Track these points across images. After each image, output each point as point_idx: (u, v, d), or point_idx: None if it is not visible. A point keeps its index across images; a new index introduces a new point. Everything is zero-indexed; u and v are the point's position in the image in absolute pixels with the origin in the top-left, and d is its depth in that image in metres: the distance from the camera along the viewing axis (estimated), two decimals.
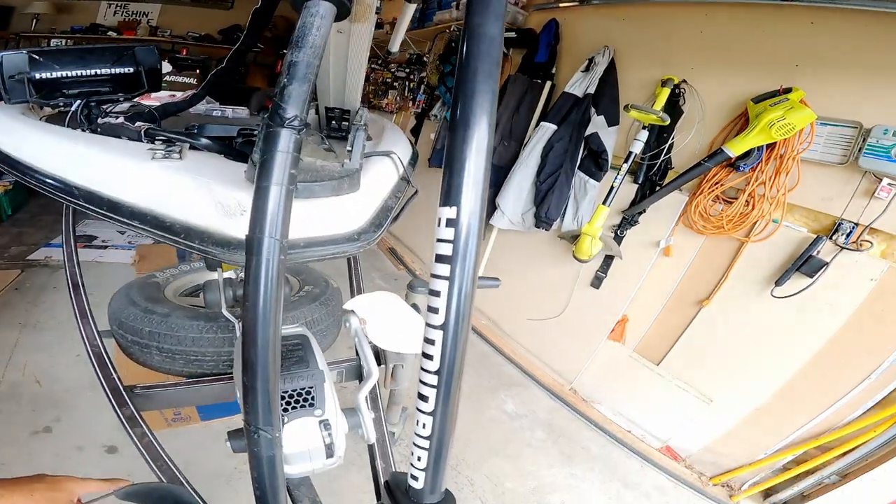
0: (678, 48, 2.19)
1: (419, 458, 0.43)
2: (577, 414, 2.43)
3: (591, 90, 2.38)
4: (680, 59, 2.18)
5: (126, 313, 1.15)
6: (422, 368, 0.38)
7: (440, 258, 0.34)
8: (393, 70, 4.35)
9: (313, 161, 0.71)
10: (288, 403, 0.59)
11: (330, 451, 0.60)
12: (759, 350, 1.99)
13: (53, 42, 5.72)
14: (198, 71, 4.71)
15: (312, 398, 0.60)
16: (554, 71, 2.72)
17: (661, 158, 2.20)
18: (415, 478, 0.43)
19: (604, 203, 2.22)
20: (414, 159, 1.42)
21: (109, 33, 5.82)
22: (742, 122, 1.96)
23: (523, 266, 2.89)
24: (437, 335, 0.36)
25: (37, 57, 1.09)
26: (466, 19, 0.37)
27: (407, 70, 4.16)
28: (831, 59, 1.76)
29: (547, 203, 2.46)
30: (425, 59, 3.89)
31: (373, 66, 4.69)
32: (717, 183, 2.02)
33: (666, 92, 2.08)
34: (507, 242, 2.96)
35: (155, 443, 0.93)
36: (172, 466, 0.87)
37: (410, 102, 4.15)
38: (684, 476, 2.12)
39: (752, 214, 1.92)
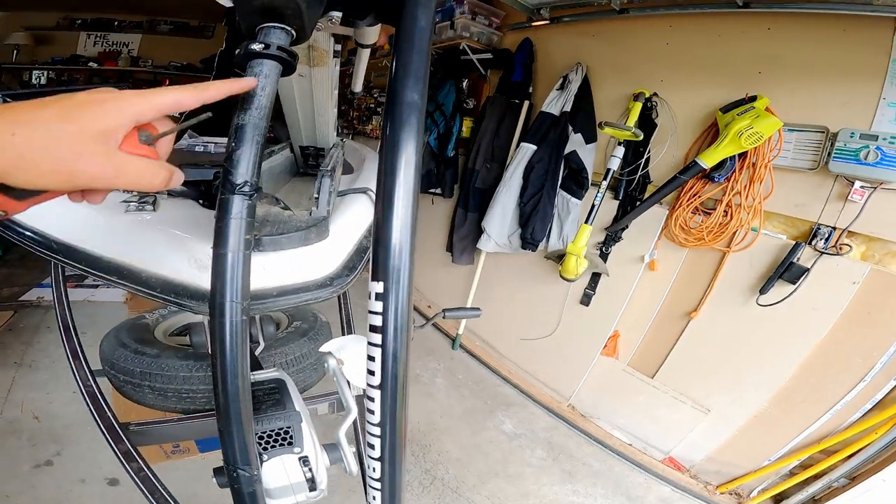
0: (646, 61, 2.24)
1: (374, 498, 0.43)
2: (577, 430, 2.43)
3: (568, 108, 2.40)
4: (649, 72, 2.22)
5: (117, 355, 1.17)
6: (368, 422, 0.40)
7: (373, 328, 0.37)
8: (376, 95, 4.40)
9: (280, 212, 0.73)
10: (267, 443, 0.61)
11: (312, 484, 0.62)
12: (751, 358, 2.01)
13: (35, 73, 5.74)
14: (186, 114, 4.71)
15: (291, 437, 0.62)
16: (531, 90, 2.74)
17: (639, 173, 2.23)
18: None
19: (586, 222, 2.25)
20: None
21: (91, 64, 5.81)
22: (713, 133, 2.00)
23: (513, 287, 2.92)
24: (376, 394, 0.38)
25: (9, 100, 1.12)
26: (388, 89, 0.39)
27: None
28: (792, 64, 1.80)
29: (532, 224, 2.47)
30: None
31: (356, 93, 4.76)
32: (694, 195, 2.05)
33: (638, 106, 2.11)
34: (496, 264, 2.99)
35: (152, 477, 0.94)
36: (170, 499, 0.88)
37: None
38: (690, 486, 2.12)
39: (731, 224, 1.94)
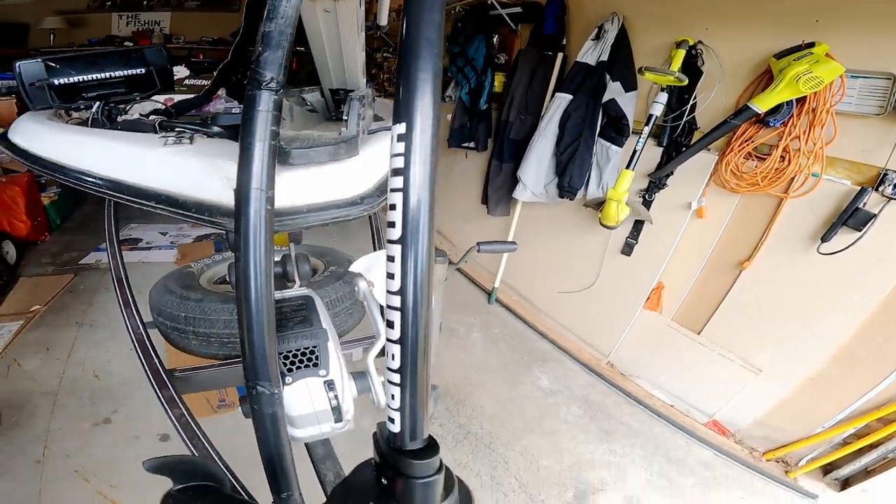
0: (690, 10, 2.12)
1: (393, 397, 0.39)
2: (616, 389, 2.37)
3: (604, 57, 2.34)
4: (693, 21, 2.10)
5: (164, 301, 1.21)
6: (387, 291, 0.36)
7: (396, 171, 0.34)
8: None
9: (311, 132, 0.72)
10: (291, 363, 0.58)
11: (338, 413, 0.59)
12: (809, 312, 1.89)
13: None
14: (214, 73, 4.81)
15: (316, 358, 0.59)
16: (564, 42, 2.69)
17: (685, 119, 2.13)
18: (391, 420, 0.39)
19: (627, 167, 2.18)
20: None
21: (126, 43, 6.02)
22: (766, 80, 1.90)
23: (550, 238, 2.86)
24: (396, 251, 0.34)
25: (53, 64, 1.15)
26: None
27: None
28: (854, 11, 1.67)
29: (569, 173, 2.43)
30: None
31: (385, 54, 4.69)
32: (747, 140, 1.94)
33: (681, 53, 2.02)
34: (533, 215, 2.94)
35: (192, 423, 0.98)
36: (208, 446, 0.92)
37: None
38: (734, 451, 2.04)
39: (789, 169, 1.84)
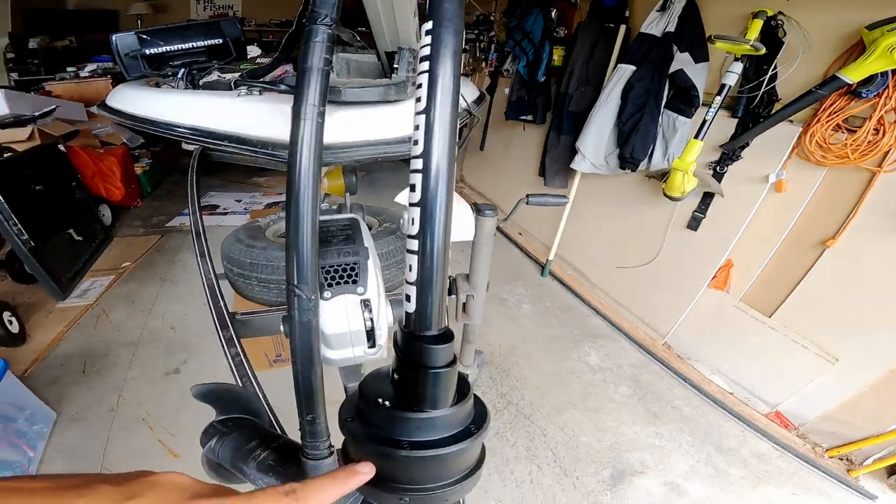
0: None
1: (410, 268, 0.39)
2: (670, 371, 2.27)
3: (671, 28, 2.23)
4: None
5: (233, 248, 1.34)
6: (412, 170, 0.38)
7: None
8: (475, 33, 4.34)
9: (364, 79, 0.76)
10: (331, 278, 0.59)
11: (371, 338, 0.60)
12: None
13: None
14: (283, 42, 5.14)
15: (356, 275, 0.60)
16: (627, 14, 2.60)
17: (763, 90, 1.98)
18: (408, 298, 0.40)
19: (696, 137, 2.06)
20: (480, 99, 1.45)
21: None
22: (858, 51, 1.74)
23: (609, 211, 2.76)
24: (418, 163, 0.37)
25: (144, 36, 1.29)
26: None
27: (475, 31, 4.11)
28: None
29: (631, 143, 2.35)
30: (492, 17, 3.85)
31: None
32: (836, 111, 1.79)
33: (758, 24, 1.89)
34: (591, 188, 2.86)
35: (245, 363, 1.07)
36: (256, 387, 1.00)
37: (483, 63, 4.11)
38: (794, 445, 1.90)
39: (883, 142, 1.68)
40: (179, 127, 0.96)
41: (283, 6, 6.98)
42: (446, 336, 0.41)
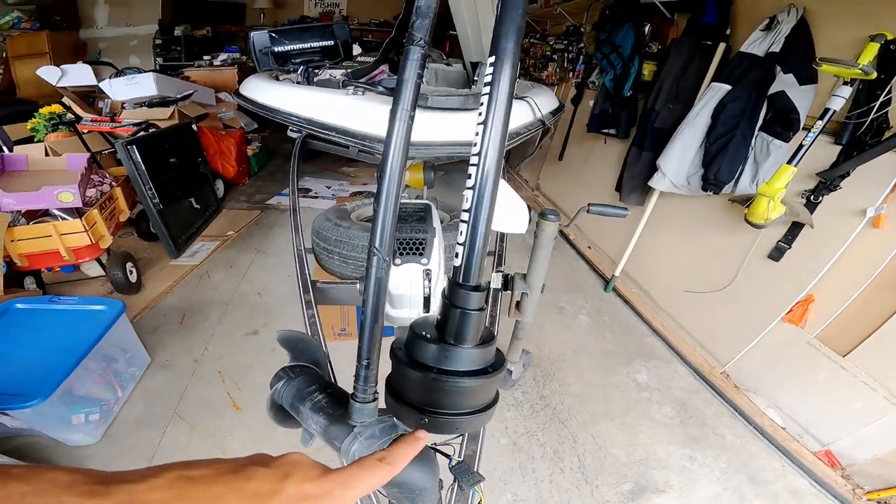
0: (887, 2, 1.82)
1: (461, 233, 0.49)
2: (722, 399, 2.17)
3: (776, 49, 2.13)
4: (891, 14, 1.80)
5: (322, 225, 1.56)
6: (470, 164, 0.49)
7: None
8: (551, 43, 4.35)
9: (450, 89, 0.90)
10: (403, 248, 0.75)
11: (427, 304, 0.74)
12: None
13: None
14: (382, 46, 5.54)
15: (423, 248, 0.75)
16: (728, 32, 2.50)
17: (872, 116, 1.83)
18: (457, 256, 0.50)
19: (789, 162, 1.95)
20: (557, 111, 1.53)
21: (314, 22, 7.51)
22: None
23: (685, 233, 2.68)
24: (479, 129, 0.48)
25: (274, 35, 1.55)
26: None
27: (565, 42, 4.14)
28: None
29: (717, 164, 2.27)
30: (582, 29, 3.85)
31: (531, 40, 4.75)
32: None
33: (874, 47, 1.76)
34: (669, 207, 2.79)
35: (318, 324, 1.27)
36: (325, 345, 1.16)
37: (570, 73, 4.13)
38: (832, 485, 1.75)
39: None
40: (297, 116, 1.16)
41: (382, 6, 7.61)
42: (479, 287, 0.51)
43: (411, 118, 0.60)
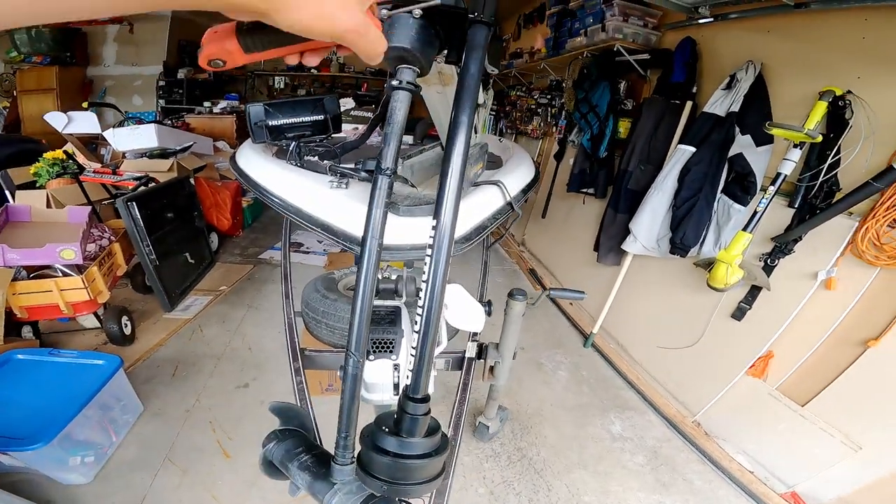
0: (841, 56, 1.93)
1: (411, 357, 0.63)
2: (692, 446, 2.26)
3: (735, 108, 2.22)
4: (843, 68, 1.91)
5: (311, 296, 1.63)
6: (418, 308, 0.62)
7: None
8: (536, 97, 4.49)
9: (419, 192, 1.02)
10: (376, 347, 0.89)
11: (396, 388, 0.87)
12: None
13: (276, 79, 7.79)
14: (374, 106, 5.76)
15: (392, 347, 0.89)
16: (694, 90, 2.60)
17: (821, 179, 1.92)
18: (408, 376, 0.65)
19: (744, 229, 2.07)
20: (533, 182, 1.63)
21: (312, 70, 7.55)
22: None
23: (658, 292, 2.81)
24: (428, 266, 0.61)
25: (269, 108, 1.67)
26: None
27: (549, 96, 4.26)
28: None
29: (683, 229, 2.36)
30: (564, 85, 3.95)
31: (518, 93, 4.98)
32: (893, 206, 1.71)
33: (822, 106, 1.86)
34: (642, 267, 2.92)
35: (306, 390, 1.36)
36: (311, 409, 1.25)
37: (553, 128, 4.25)
38: None
39: None
40: (282, 201, 1.26)
41: None
42: (425, 399, 0.65)
43: (381, 236, 0.71)
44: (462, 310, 0.88)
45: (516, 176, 1.48)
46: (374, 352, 0.88)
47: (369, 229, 0.69)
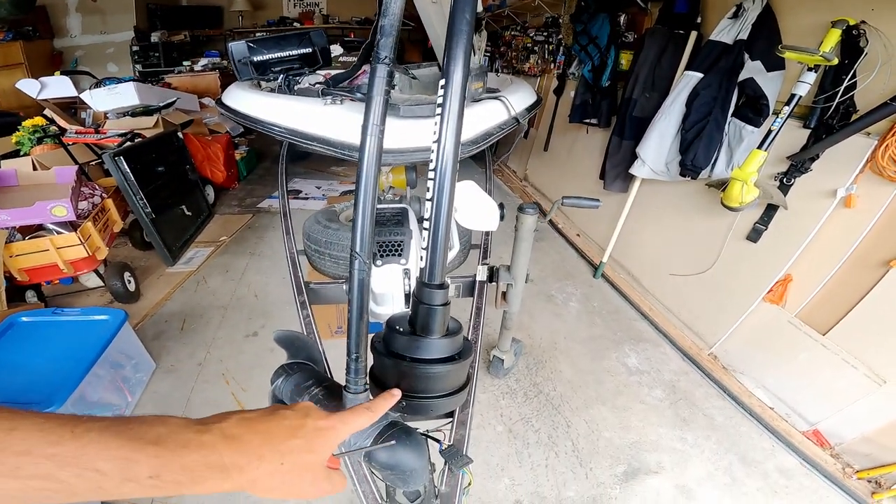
0: None
1: (424, 239, 0.55)
2: (710, 380, 2.25)
3: (744, 36, 2.18)
4: (855, 0, 1.85)
5: (312, 228, 1.61)
6: (430, 169, 0.55)
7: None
8: (532, 35, 4.38)
9: (422, 96, 0.95)
10: (383, 251, 0.81)
11: (408, 299, 0.81)
12: None
13: (258, 35, 7.72)
14: (360, 51, 5.51)
15: (401, 250, 0.82)
16: (699, 20, 2.55)
17: (837, 100, 1.89)
18: (422, 258, 0.58)
19: (759, 147, 2.02)
20: (535, 104, 1.57)
21: (294, 24, 7.55)
22: None
23: (668, 218, 2.75)
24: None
25: (252, 45, 1.58)
26: None
27: (545, 33, 4.17)
28: None
29: (693, 150, 2.33)
30: (560, 21, 3.87)
31: (512, 32, 4.77)
32: None
33: (836, 33, 1.81)
34: (651, 193, 2.86)
35: (313, 323, 1.31)
36: (320, 344, 1.21)
37: (552, 64, 4.16)
38: (822, 464, 1.83)
39: None
40: (278, 126, 1.21)
41: (362, 5, 7.60)
42: (443, 285, 0.58)
43: (381, 132, 0.65)
44: (475, 207, 0.81)
45: (519, 96, 1.42)
46: (382, 256, 0.80)
47: (370, 116, 0.63)
